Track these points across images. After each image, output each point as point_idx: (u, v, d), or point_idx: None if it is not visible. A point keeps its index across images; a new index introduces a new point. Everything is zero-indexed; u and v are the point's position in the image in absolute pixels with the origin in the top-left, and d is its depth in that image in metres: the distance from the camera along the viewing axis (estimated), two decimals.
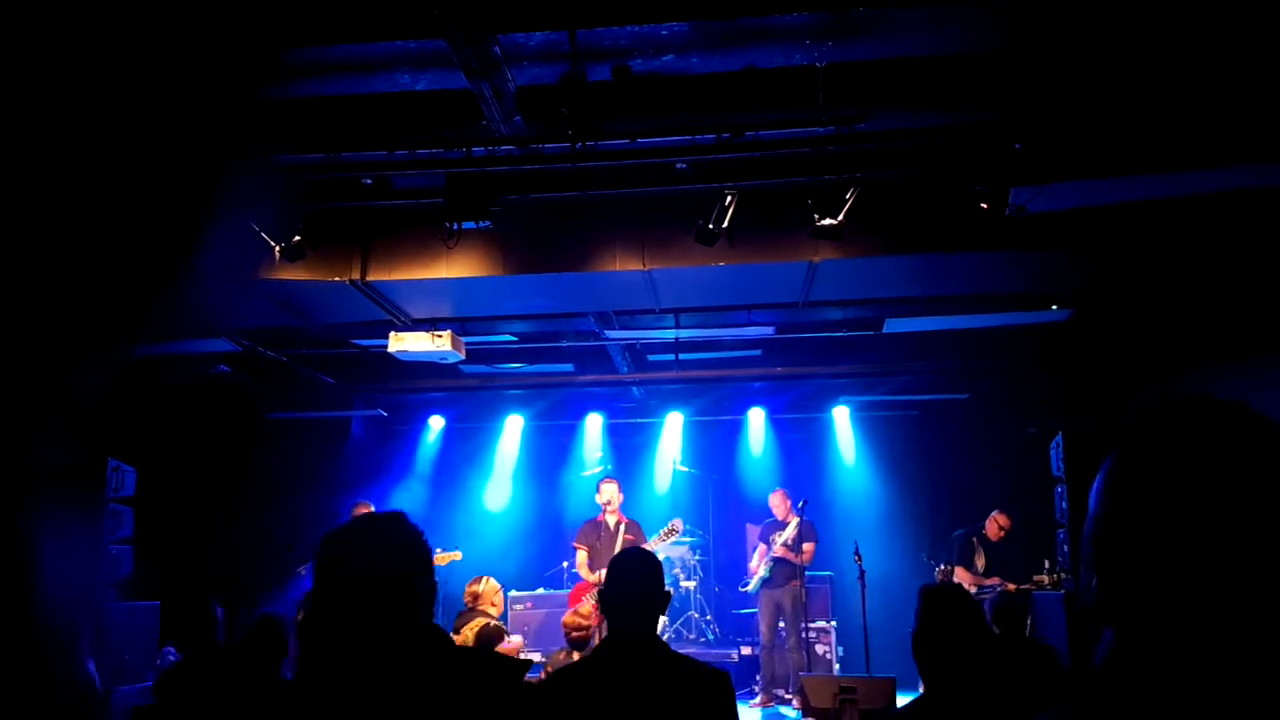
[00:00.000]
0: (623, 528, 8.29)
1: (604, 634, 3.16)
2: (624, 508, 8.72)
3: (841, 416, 11.93)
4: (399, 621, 1.86)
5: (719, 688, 2.65)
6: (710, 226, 6.17)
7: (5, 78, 4.55)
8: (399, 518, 2.01)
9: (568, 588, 8.62)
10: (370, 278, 7.18)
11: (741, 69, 5.30)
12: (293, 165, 6.13)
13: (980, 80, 5.33)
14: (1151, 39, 4.87)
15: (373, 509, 9.19)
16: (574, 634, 5.73)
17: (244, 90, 5.59)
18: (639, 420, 12.42)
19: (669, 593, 2.89)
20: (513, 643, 7.33)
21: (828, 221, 5.89)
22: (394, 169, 6.24)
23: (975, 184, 5.71)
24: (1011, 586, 8.20)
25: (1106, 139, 5.61)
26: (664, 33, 4.91)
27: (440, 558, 9.29)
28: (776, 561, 9.10)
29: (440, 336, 7.89)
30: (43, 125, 4.93)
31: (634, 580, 2.80)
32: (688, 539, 10.71)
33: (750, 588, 9.39)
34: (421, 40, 4.96)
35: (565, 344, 9.55)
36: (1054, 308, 8.10)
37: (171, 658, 7.85)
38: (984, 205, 5.71)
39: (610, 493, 8.47)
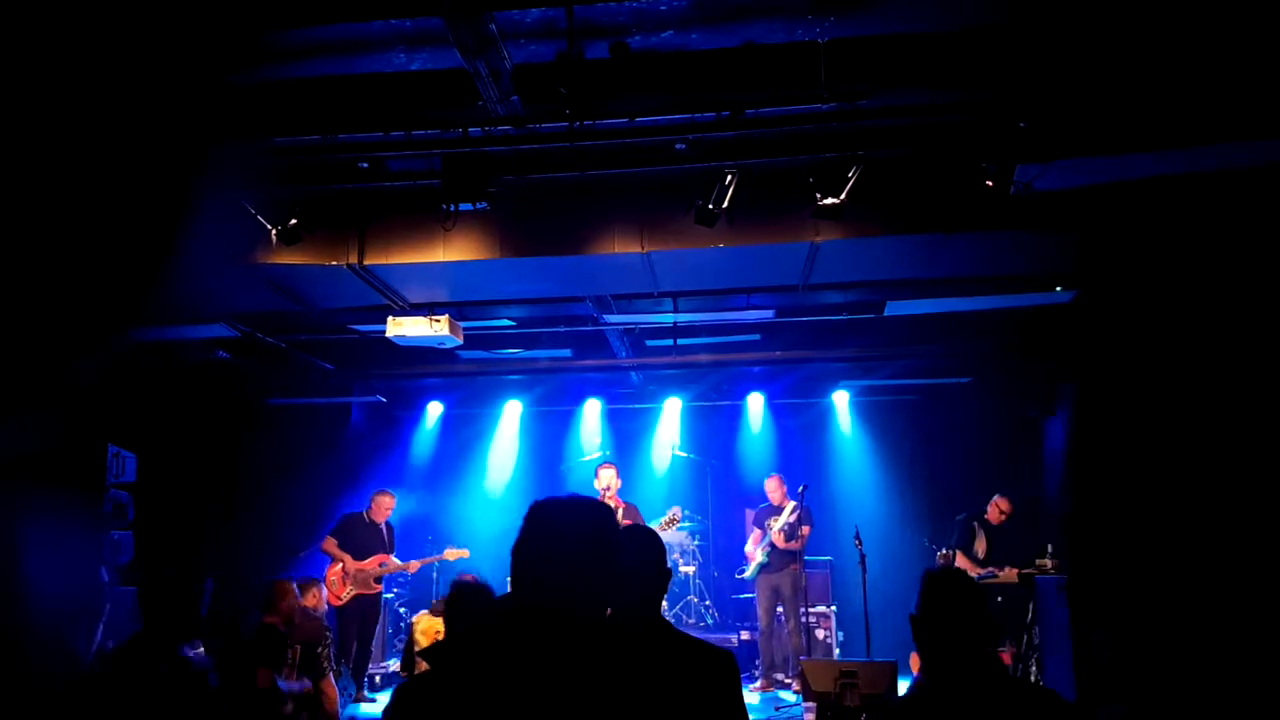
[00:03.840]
0: (620, 512, 8.26)
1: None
2: (622, 493, 8.71)
3: (841, 401, 11.89)
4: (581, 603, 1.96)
5: (724, 667, 2.61)
6: (710, 207, 6.11)
7: (6, 65, 4.50)
8: (606, 511, 2.09)
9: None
10: (367, 261, 7.13)
11: (741, 45, 5.23)
12: (288, 147, 6.07)
13: (984, 56, 5.26)
14: (1158, 11, 4.80)
15: (394, 496, 9.22)
16: None
17: (238, 72, 5.53)
18: (637, 405, 12.38)
19: (670, 571, 2.85)
20: None
21: (829, 201, 5.83)
22: (390, 150, 6.18)
23: (980, 161, 5.64)
24: (1013, 571, 8.19)
25: (1113, 115, 5.54)
26: (663, 8, 4.84)
27: (450, 553, 9.32)
28: (774, 547, 9.08)
29: (438, 321, 7.84)
30: (37, 111, 4.87)
31: (635, 558, 2.76)
32: (687, 524, 10.70)
33: (748, 574, 9.37)
34: (416, 18, 4.89)
35: (563, 329, 9.50)
36: (1058, 289, 8.04)
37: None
38: (989, 183, 5.65)
39: (608, 478, 8.44)
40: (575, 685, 1.88)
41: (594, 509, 2.09)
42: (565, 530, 2.03)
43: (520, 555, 2.02)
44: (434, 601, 7.06)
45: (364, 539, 8.99)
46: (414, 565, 9.34)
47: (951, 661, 2.46)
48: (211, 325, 8.78)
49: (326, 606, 7.55)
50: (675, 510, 8.87)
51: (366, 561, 8.88)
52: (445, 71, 5.44)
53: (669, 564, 2.89)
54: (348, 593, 8.76)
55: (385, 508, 9.16)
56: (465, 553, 9.34)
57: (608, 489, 8.39)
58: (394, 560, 9.10)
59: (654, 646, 2.64)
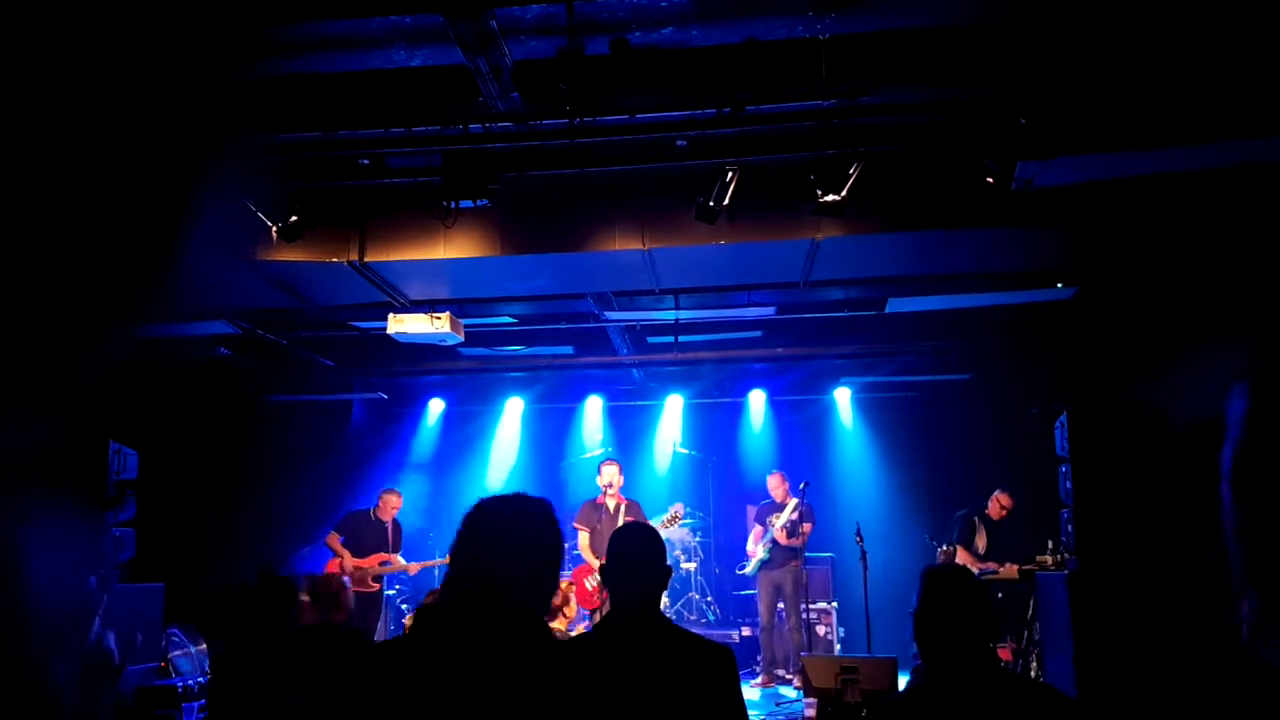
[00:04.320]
0: (623, 509, 8.26)
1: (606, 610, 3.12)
2: (624, 490, 8.70)
3: (843, 398, 11.89)
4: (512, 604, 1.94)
5: (723, 662, 2.62)
6: (711, 204, 6.11)
7: (5, 61, 4.49)
8: (547, 507, 2.08)
9: (568, 571, 8.61)
10: (368, 258, 7.13)
11: (742, 42, 5.23)
12: (289, 144, 6.07)
13: (985, 53, 5.26)
14: (1159, 7, 4.80)
15: (401, 495, 9.22)
16: None
17: (238, 67, 5.53)
18: (639, 402, 12.38)
19: (670, 568, 2.85)
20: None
21: (831, 197, 5.82)
22: (391, 147, 6.18)
23: (981, 158, 5.64)
24: (1013, 567, 8.19)
25: (1113, 112, 5.53)
26: (663, 4, 4.84)
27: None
28: (775, 543, 9.09)
29: (439, 318, 7.85)
30: (34, 105, 4.87)
31: (636, 555, 2.77)
32: (688, 520, 10.70)
33: (749, 570, 9.38)
34: (417, 15, 4.89)
35: (565, 326, 9.51)
36: (1059, 285, 8.04)
37: (176, 638, 7.86)
38: (990, 180, 5.65)
39: (611, 474, 8.44)
40: (497, 682, 1.88)
41: (530, 509, 2.06)
42: (502, 531, 2.02)
43: (457, 557, 2.01)
44: (424, 598, 7.06)
45: (368, 536, 8.99)
46: (414, 567, 9.32)
47: (951, 657, 2.47)
48: (212, 322, 8.78)
49: None
50: (677, 507, 8.87)
51: (366, 560, 8.88)
52: (446, 68, 5.44)
53: (670, 561, 2.90)
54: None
55: (392, 506, 9.16)
56: None
57: (610, 486, 8.39)
58: (398, 559, 9.10)
59: (654, 642, 2.64)
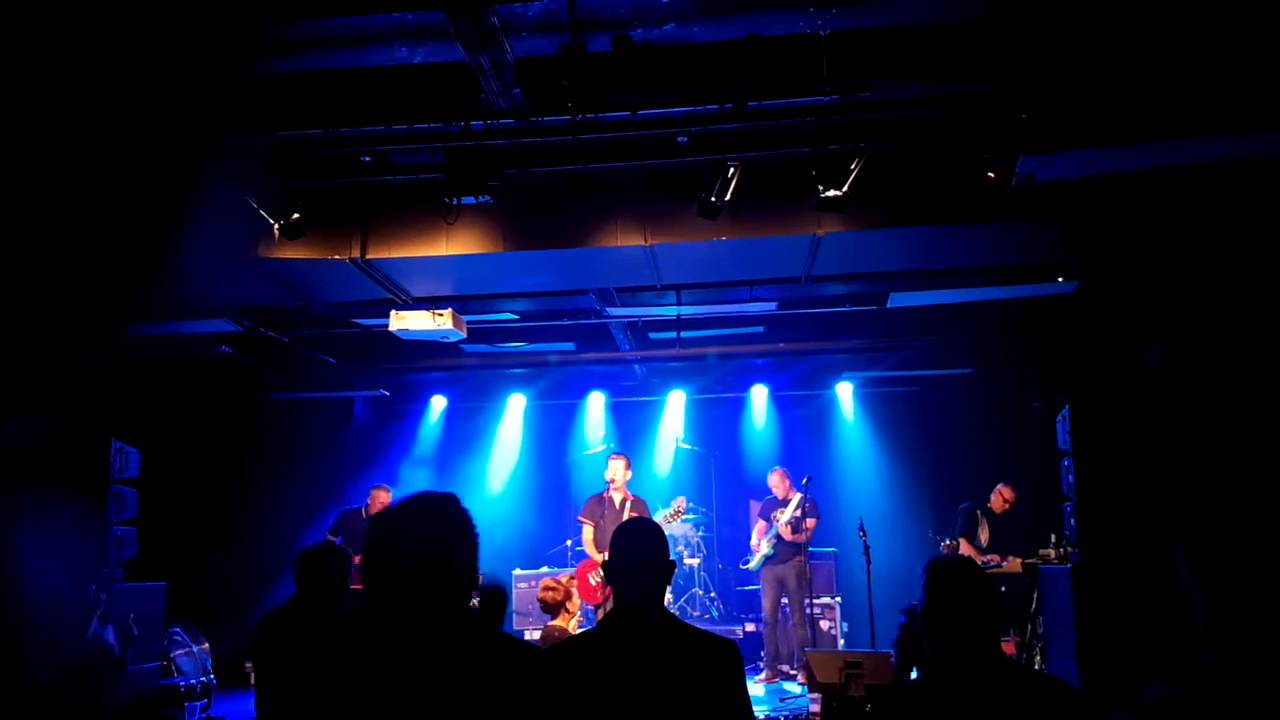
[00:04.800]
0: (628, 505, 8.26)
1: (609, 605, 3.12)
2: (628, 485, 8.69)
3: (844, 393, 11.89)
4: (436, 602, 1.99)
5: (728, 657, 2.62)
6: (713, 199, 6.11)
7: (10, 61, 4.50)
8: (448, 501, 2.11)
9: (571, 567, 8.62)
10: (370, 255, 7.13)
11: (743, 38, 5.23)
12: (290, 141, 6.07)
13: (986, 48, 5.25)
14: (1160, 2, 4.79)
15: (390, 492, 9.21)
16: (546, 600, 6.08)
17: (240, 65, 5.53)
18: (641, 398, 12.39)
19: (674, 563, 2.85)
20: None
21: (832, 193, 5.82)
22: (392, 144, 6.18)
23: (982, 153, 5.63)
24: (1016, 561, 8.20)
25: (1115, 107, 5.53)
26: (664, 1, 4.83)
27: None
28: (779, 539, 9.09)
29: (441, 315, 7.85)
30: (39, 106, 4.87)
31: (639, 550, 2.77)
32: (691, 516, 10.71)
33: (753, 565, 9.38)
34: (418, 11, 4.89)
35: (566, 322, 9.50)
36: (1060, 280, 8.04)
37: (178, 637, 7.87)
38: (991, 175, 5.64)
39: (616, 469, 8.45)
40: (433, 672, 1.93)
41: (435, 508, 2.09)
42: (408, 534, 2.06)
43: (367, 563, 2.05)
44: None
45: (362, 534, 8.99)
46: None
47: (957, 650, 2.47)
48: (214, 320, 8.79)
49: None
50: (679, 501, 8.87)
51: (358, 556, 8.87)
52: (447, 65, 5.44)
53: (673, 556, 2.90)
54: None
55: (381, 503, 9.14)
56: None
57: (614, 480, 8.40)
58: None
59: (659, 637, 2.64)
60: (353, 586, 8.14)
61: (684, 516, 9.35)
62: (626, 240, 6.92)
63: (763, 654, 9.24)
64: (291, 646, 3.75)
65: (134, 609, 6.81)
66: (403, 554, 2.02)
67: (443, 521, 2.08)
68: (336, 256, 7.11)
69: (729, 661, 2.63)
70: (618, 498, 8.32)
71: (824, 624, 9.57)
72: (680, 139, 5.95)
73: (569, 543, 10.59)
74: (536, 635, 7.97)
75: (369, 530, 2.10)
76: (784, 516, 9.10)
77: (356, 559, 8.74)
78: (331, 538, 8.95)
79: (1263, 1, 4.73)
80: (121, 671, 6.53)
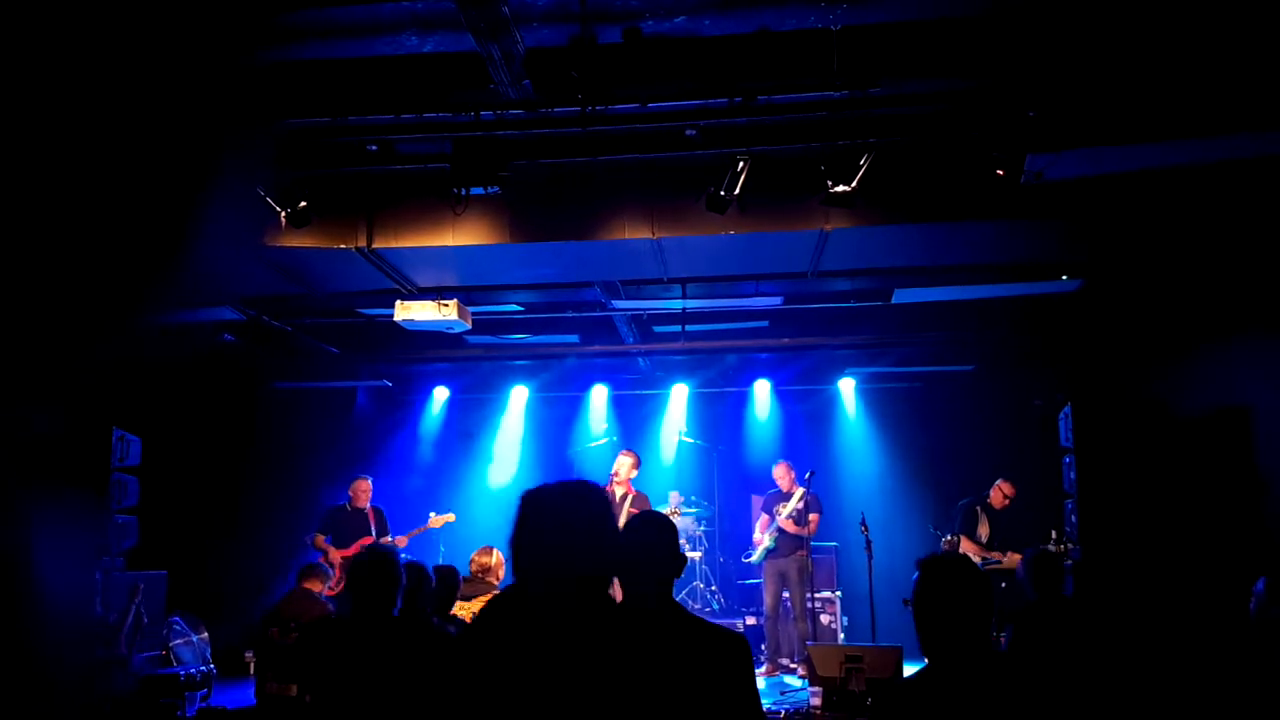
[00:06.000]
0: (629, 500, 8.27)
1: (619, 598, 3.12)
2: (632, 480, 8.68)
3: (847, 388, 11.90)
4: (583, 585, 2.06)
5: (737, 650, 2.62)
6: (721, 193, 6.10)
7: (10, 49, 4.48)
8: (591, 489, 2.18)
9: None
10: (376, 245, 7.12)
11: (754, 32, 5.22)
12: (298, 130, 6.06)
13: (996, 45, 5.25)
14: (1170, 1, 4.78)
15: (370, 484, 9.22)
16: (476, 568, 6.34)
17: (247, 54, 5.52)
18: (644, 391, 12.39)
19: (685, 557, 2.85)
20: None
21: (841, 188, 5.82)
22: (401, 133, 6.17)
23: (991, 150, 5.63)
24: (1016, 557, 8.21)
25: (1123, 105, 5.53)
26: None
27: (434, 520, 9.32)
28: (781, 532, 9.11)
29: (446, 305, 7.84)
30: (47, 95, 4.86)
31: (648, 544, 2.77)
32: (692, 509, 10.73)
33: (754, 558, 9.40)
34: (429, 0, 4.88)
35: (571, 314, 9.50)
36: (1064, 278, 8.04)
37: (178, 626, 7.89)
38: (999, 172, 5.64)
39: (623, 464, 8.45)
40: (582, 668, 1.93)
41: (585, 493, 2.14)
42: (559, 518, 2.10)
43: (517, 546, 2.09)
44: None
45: (349, 528, 9.00)
46: (402, 540, 9.30)
47: (950, 645, 2.49)
48: (218, 309, 8.78)
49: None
50: (672, 496, 8.85)
51: (350, 549, 8.89)
52: (457, 55, 5.43)
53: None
54: (337, 582, 8.76)
55: (363, 492, 9.14)
56: (450, 517, 9.33)
57: (616, 474, 8.40)
58: (386, 541, 9.08)
59: (667, 631, 2.64)
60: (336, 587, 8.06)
61: (679, 514, 9.39)
62: (634, 233, 6.91)
63: (764, 648, 9.26)
64: (354, 654, 3.69)
65: (137, 597, 6.83)
66: (551, 536, 2.07)
67: (587, 507, 2.13)
68: (343, 245, 7.10)
69: (738, 655, 2.62)
70: (619, 492, 8.32)
71: (825, 618, 9.59)
72: (689, 132, 5.94)
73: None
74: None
75: (518, 510, 2.13)
76: (786, 510, 9.12)
77: (339, 556, 8.78)
78: (321, 535, 8.97)
79: (1265, 1, 4.72)
80: (126, 660, 6.56)
